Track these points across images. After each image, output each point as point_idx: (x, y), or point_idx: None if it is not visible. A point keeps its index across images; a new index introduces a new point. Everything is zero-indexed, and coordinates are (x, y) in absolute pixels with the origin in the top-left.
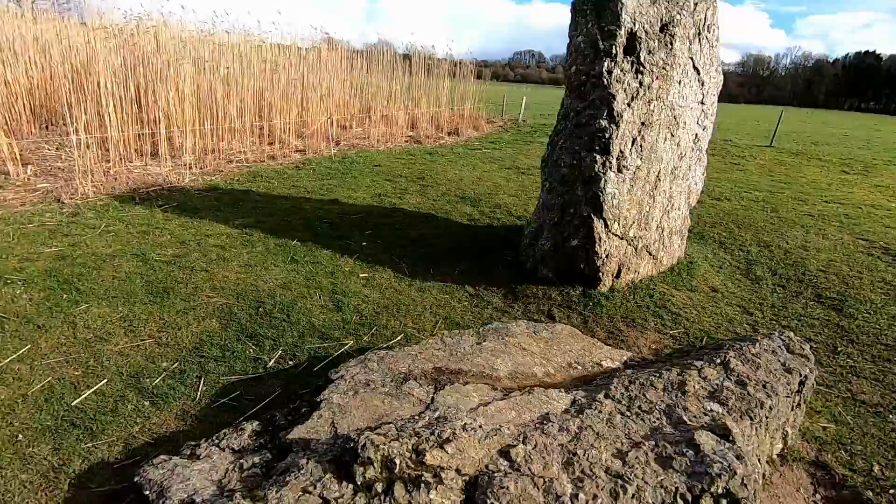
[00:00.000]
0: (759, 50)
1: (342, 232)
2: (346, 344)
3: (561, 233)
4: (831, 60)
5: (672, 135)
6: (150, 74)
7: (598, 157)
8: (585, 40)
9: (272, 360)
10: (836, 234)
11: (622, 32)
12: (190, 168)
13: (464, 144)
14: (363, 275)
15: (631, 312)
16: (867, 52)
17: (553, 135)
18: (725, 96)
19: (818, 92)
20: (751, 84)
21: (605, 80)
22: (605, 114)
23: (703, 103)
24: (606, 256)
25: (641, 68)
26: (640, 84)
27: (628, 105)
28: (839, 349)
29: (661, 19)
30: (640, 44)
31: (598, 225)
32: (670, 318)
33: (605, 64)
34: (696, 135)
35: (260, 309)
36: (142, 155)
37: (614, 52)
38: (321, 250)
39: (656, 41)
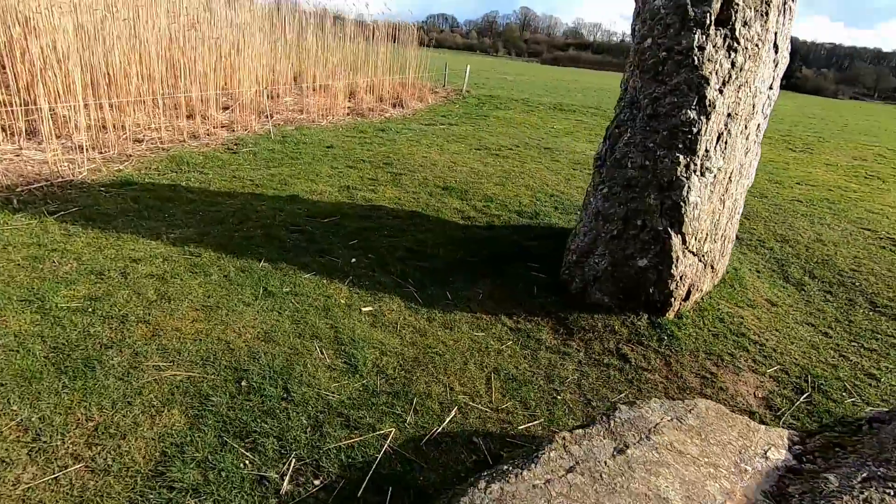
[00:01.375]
0: None
1: (319, 243)
2: (386, 433)
3: (623, 249)
4: None
5: (745, 126)
6: (9, 19)
7: (680, 157)
8: (668, 4)
9: (286, 481)
10: (836, 223)
11: None
12: (86, 153)
13: (414, 118)
14: (366, 308)
15: (712, 346)
16: None
17: (612, 126)
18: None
19: None
20: None
21: (695, 58)
22: (693, 102)
23: (771, 88)
24: (680, 278)
25: (735, 44)
26: (733, 65)
27: (720, 91)
28: None
29: None
30: (735, 12)
31: (676, 242)
32: (756, 349)
33: (696, 37)
34: (759, 125)
35: (242, 383)
36: (12, 135)
37: (707, 21)
38: (300, 274)
39: (752, 10)
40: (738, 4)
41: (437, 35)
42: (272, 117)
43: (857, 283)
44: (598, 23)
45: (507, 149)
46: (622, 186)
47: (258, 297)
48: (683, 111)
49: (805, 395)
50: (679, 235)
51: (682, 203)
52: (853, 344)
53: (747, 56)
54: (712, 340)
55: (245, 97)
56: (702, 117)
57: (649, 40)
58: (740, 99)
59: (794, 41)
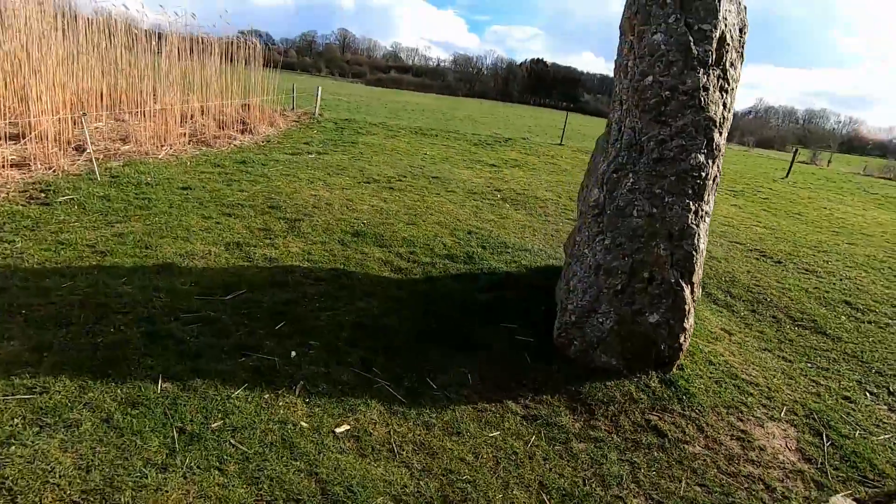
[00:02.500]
0: (463, 51)
1: (234, 335)
2: None
3: (629, 305)
4: (518, 64)
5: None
6: None
7: (690, 203)
8: (669, 41)
9: None
10: (713, 238)
11: (716, 35)
12: None
13: (273, 147)
14: (341, 428)
15: (723, 396)
16: (538, 59)
17: (608, 169)
18: (446, 89)
19: (513, 89)
20: (465, 79)
21: (701, 98)
22: (703, 146)
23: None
24: (688, 330)
25: (726, 85)
26: (724, 106)
27: (720, 133)
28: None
29: (741, 21)
30: (726, 52)
31: (688, 293)
32: (755, 391)
33: (701, 77)
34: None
35: None
36: None
37: (710, 60)
38: (227, 391)
39: (735, 51)
40: (727, 45)
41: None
42: (82, 151)
43: (767, 299)
44: (414, 48)
45: (396, 180)
46: (627, 237)
47: (175, 451)
48: (692, 155)
49: (828, 442)
50: (689, 286)
51: (694, 252)
52: (810, 366)
53: (732, 97)
54: (719, 390)
55: (45, 125)
56: (709, 161)
57: (650, 78)
58: (724, 140)
59: (574, 71)
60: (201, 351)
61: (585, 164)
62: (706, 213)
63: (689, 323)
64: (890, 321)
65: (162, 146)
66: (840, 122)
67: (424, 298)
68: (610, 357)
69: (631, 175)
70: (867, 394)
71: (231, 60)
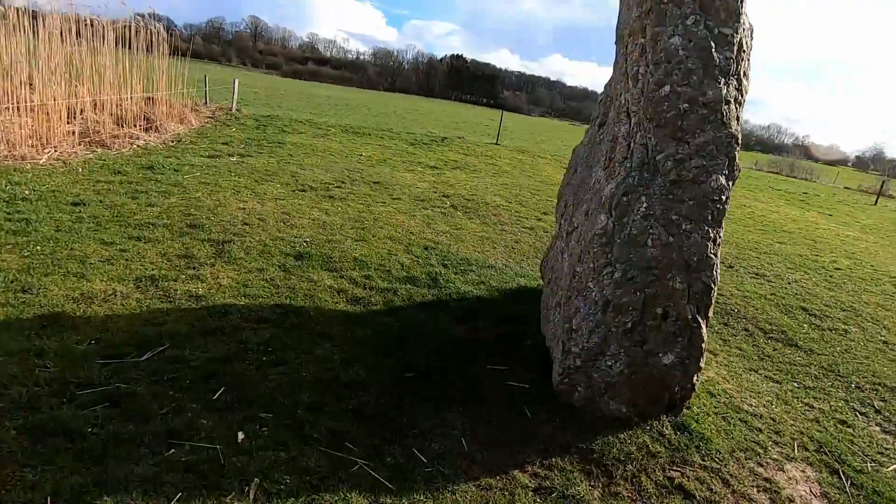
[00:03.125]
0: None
1: (156, 415)
2: None
3: (641, 344)
4: (438, 59)
5: None
6: None
7: (710, 231)
8: (688, 45)
9: None
10: None
11: (737, 40)
12: None
13: (186, 148)
14: None
15: (737, 439)
16: (458, 55)
17: (620, 192)
18: (367, 83)
19: (435, 85)
20: (386, 74)
21: (722, 113)
22: (724, 166)
23: None
24: (702, 368)
25: (740, 97)
26: (737, 119)
27: (738, 150)
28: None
29: (750, 24)
30: (742, 60)
31: (704, 329)
32: (762, 426)
33: (722, 88)
34: None
35: None
36: None
37: (731, 69)
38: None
39: (748, 60)
40: (744, 51)
41: (155, 39)
42: None
43: (734, 309)
44: (332, 39)
45: (335, 187)
46: (640, 269)
47: None
48: (713, 177)
49: (848, 482)
50: (705, 321)
51: (712, 284)
52: (798, 387)
53: (742, 111)
54: (730, 429)
55: None
56: (729, 183)
57: (667, 87)
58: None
59: (492, 68)
60: (108, 449)
61: (524, 166)
62: (722, 240)
63: (703, 361)
64: (846, 327)
65: (44, 148)
66: None
67: (392, 338)
68: (619, 404)
69: (644, 199)
70: (857, 414)
71: (129, 47)
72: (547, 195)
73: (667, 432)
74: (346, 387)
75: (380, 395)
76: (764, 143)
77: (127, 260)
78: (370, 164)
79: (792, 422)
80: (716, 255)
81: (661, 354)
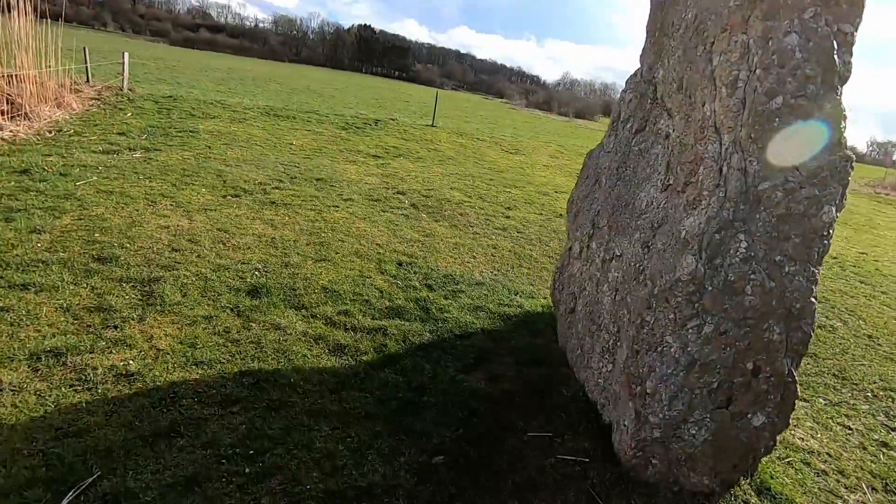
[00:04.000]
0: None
1: None
2: None
3: (726, 404)
4: (346, 29)
5: None
6: None
7: (815, 272)
8: (805, 45)
9: None
10: None
11: (855, 41)
12: None
13: (70, 141)
14: None
15: (812, 490)
16: (366, 25)
17: (712, 228)
18: (270, 54)
19: (343, 56)
20: (290, 44)
21: (840, 131)
22: (837, 196)
23: None
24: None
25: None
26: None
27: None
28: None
29: None
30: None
31: (796, 384)
32: (825, 466)
33: (838, 100)
34: None
35: None
36: None
37: (848, 75)
38: None
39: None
40: (849, 60)
41: None
42: None
43: None
44: (225, 4)
45: (273, 188)
46: (735, 321)
47: None
48: (825, 209)
49: None
50: (796, 372)
51: (811, 333)
52: (826, 404)
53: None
54: (802, 479)
55: None
56: (837, 214)
57: (779, 99)
58: None
59: (403, 39)
60: None
61: (467, 151)
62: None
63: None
64: (830, 322)
65: None
66: None
67: (403, 405)
68: (701, 475)
69: (743, 237)
70: (889, 431)
71: None
72: (502, 185)
73: (752, 501)
74: (366, 496)
75: (411, 499)
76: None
77: (11, 324)
78: (305, 156)
79: (844, 453)
80: (815, 300)
81: (750, 416)
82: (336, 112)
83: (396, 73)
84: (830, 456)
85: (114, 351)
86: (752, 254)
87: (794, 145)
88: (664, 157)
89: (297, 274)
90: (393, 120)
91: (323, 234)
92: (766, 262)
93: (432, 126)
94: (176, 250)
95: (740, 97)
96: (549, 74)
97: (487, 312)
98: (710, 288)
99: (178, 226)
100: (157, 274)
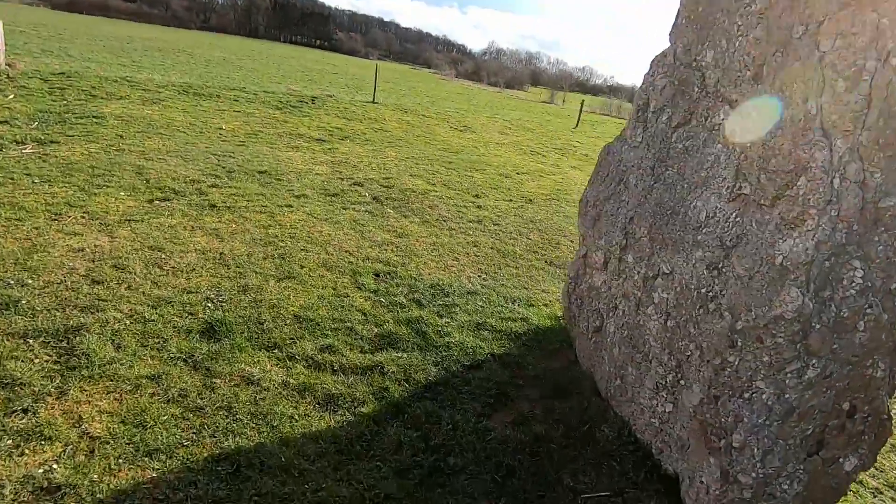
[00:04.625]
0: None
1: None
2: None
3: (818, 449)
4: None
5: None
6: None
7: None
8: None
9: None
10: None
11: None
12: None
13: None
14: None
15: None
16: None
17: (821, 256)
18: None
19: (258, 24)
20: (197, 9)
21: None
22: None
23: None
24: None
25: None
26: None
27: None
28: None
29: None
30: None
31: (892, 419)
32: (878, 484)
33: None
34: None
35: None
36: None
37: None
38: None
39: None
40: None
41: None
42: None
43: None
44: None
45: (209, 185)
46: (843, 361)
47: None
48: None
49: None
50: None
51: None
52: None
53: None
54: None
55: None
56: None
57: None
58: None
59: (322, 6)
60: None
61: (416, 130)
62: None
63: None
64: None
65: None
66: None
67: (426, 471)
68: None
69: (859, 264)
70: None
71: None
72: (462, 168)
73: None
74: None
75: None
76: (582, 85)
77: None
78: (239, 143)
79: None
80: None
81: (842, 460)
82: (265, 89)
83: (318, 42)
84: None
85: (26, 451)
86: (869, 284)
87: None
88: (730, 160)
89: (260, 300)
90: (330, 97)
91: (281, 244)
92: (883, 292)
93: (374, 103)
94: (98, 282)
95: (864, 93)
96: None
97: (491, 331)
98: (817, 326)
99: (95, 247)
100: (77, 320)
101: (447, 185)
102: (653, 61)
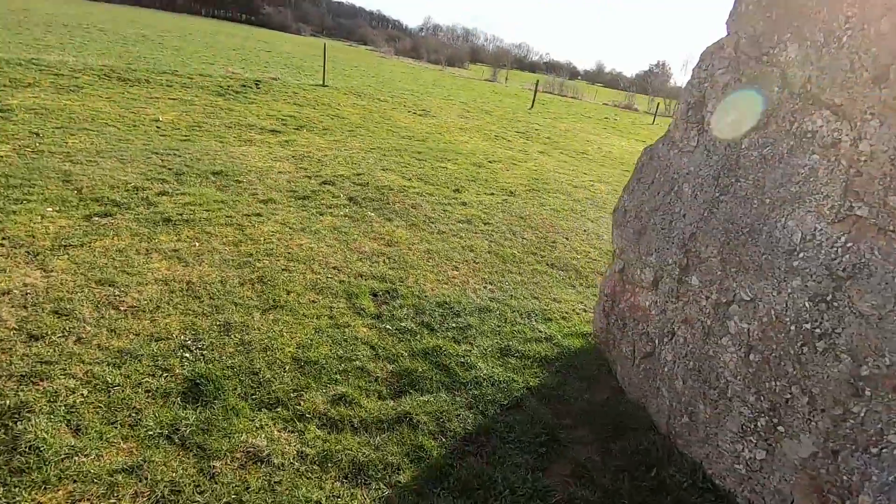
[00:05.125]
0: None
1: None
2: None
3: None
4: None
5: None
6: None
7: None
8: None
9: None
10: (595, 212)
11: None
12: None
13: None
14: None
15: None
16: None
17: None
18: None
19: None
20: None
21: None
22: None
23: None
24: None
25: None
26: None
27: None
28: None
29: None
30: None
31: None
32: None
33: None
34: None
35: None
36: None
37: None
38: None
39: None
40: None
41: None
42: None
43: None
44: None
45: (157, 193)
46: None
47: None
48: None
49: None
50: None
51: None
52: None
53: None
54: None
55: None
56: None
57: None
58: None
59: None
60: None
61: (374, 116)
62: None
63: None
64: None
65: None
66: (487, 39)
67: None
68: None
69: None
70: None
71: None
72: (434, 159)
73: None
74: None
75: None
76: (520, 62)
77: None
78: (183, 137)
79: None
80: None
81: None
82: (199, 72)
83: (243, 16)
84: None
85: None
86: None
87: None
88: (833, 175)
89: (249, 342)
90: (275, 80)
91: (258, 264)
92: None
93: (324, 86)
94: (36, 337)
95: None
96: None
97: (518, 357)
98: None
99: (25, 286)
100: (14, 397)
101: (423, 179)
102: (705, 53)
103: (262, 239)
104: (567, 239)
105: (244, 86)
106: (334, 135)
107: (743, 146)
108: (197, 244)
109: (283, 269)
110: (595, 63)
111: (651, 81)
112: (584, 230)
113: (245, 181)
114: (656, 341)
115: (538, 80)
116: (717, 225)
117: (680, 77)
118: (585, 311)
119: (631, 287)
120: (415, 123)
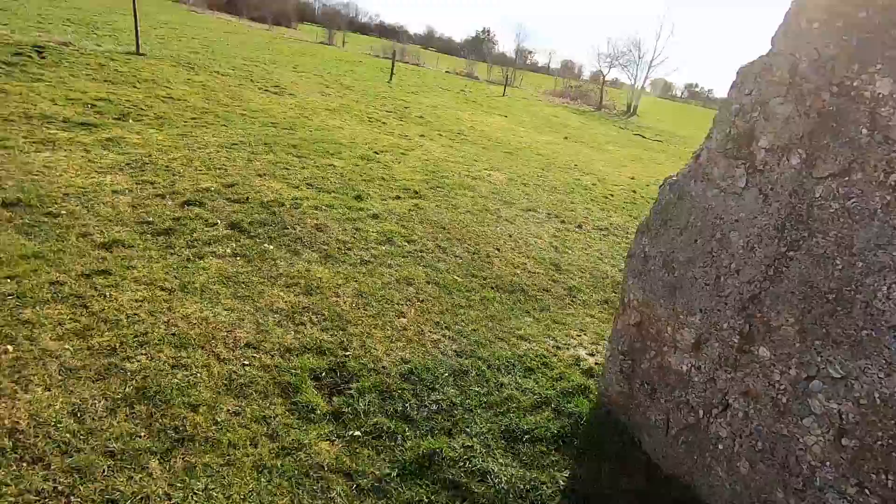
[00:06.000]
0: None
1: None
2: None
3: None
4: None
5: None
6: None
7: None
8: None
9: None
10: (528, 218)
11: None
12: None
13: None
14: None
15: None
16: None
17: None
18: None
19: None
20: None
21: None
22: None
23: None
24: None
25: None
26: None
27: None
28: None
29: None
30: None
31: None
32: None
33: None
34: None
35: None
36: None
37: None
38: None
39: None
40: None
41: None
42: None
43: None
44: None
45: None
46: None
47: None
48: None
49: None
50: None
51: None
52: None
53: None
54: None
55: None
56: None
57: None
58: None
59: None
60: None
61: (218, 96)
62: None
63: None
64: None
65: None
66: None
67: None
68: None
69: None
70: None
71: None
72: (315, 155)
73: None
74: None
75: None
76: (351, 23)
77: None
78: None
79: None
80: None
81: None
82: None
83: None
84: None
85: None
86: None
87: None
88: None
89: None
90: (66, 45)
91: (128, 366)
92: None
93: (140, 55)
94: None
95: None
96: None
97: (529, 441)
98: None
99: None
100: None
101: (313, 184)
102: (745, 73)
103: (122, 318)
104: (498, 250)
105: (19, 54)
106: (175, 126)
107: (817, 194)
108: (10, 351)
109: (172, 368)
110: (426, 27)
111: (487, 49)
112: (509, 235)
113: (64, 213)
114: (700, 412)
115: (394, 51)
116: (790, 288)
117: (507, 44)
118: (559, 349)
119: (656, 346)
120: (273, 105)
